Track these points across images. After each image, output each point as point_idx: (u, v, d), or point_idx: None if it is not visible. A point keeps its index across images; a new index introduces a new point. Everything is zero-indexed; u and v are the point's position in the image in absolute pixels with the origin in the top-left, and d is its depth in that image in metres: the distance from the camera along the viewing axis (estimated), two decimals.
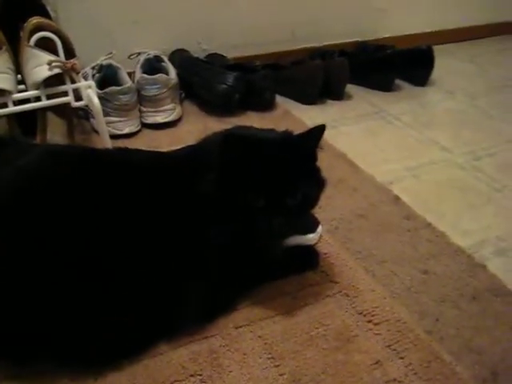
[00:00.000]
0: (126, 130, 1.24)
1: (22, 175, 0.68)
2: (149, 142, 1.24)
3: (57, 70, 0.98)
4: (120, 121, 1.23)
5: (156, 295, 0.69)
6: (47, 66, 0.97)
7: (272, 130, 0.80)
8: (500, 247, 0.96)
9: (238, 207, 0.70)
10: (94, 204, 0.67)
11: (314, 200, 0.78)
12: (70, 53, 1.02)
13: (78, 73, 1.03)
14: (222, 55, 1.58)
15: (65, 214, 0.65)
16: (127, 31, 1.46)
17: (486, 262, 0.91)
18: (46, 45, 0.99)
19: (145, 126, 1.31)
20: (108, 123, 1.19)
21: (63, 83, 1.01)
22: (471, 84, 1.72)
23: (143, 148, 0.84)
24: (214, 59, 1.53)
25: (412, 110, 1.50)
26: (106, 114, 1.18)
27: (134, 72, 1.36)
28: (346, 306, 0.80)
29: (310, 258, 0.88)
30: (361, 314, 0.78)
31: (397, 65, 1.59)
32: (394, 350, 0.73)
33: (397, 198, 1.07)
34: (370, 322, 0.77)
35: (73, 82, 1.02)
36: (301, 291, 0.82)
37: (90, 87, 1.04)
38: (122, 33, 1.45)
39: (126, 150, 0.80)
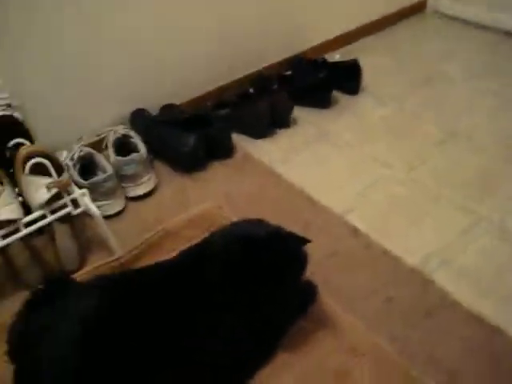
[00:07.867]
0: (116, 210, 1.40)
1: (88, 327, 0.75)
2: (137, 217, 1.40)
3: (55, 190, 1.13)
4: (108, 204, 1.38)
5: None
6: (46, 189, 1.13)
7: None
8: (442, 259, 1.17)
9: None
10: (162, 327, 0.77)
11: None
12: (58, 169, 1.16)
13: (69, 185, 1.18)
14: (176, 105, 1.72)
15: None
16: (86, 110, 1.58)
17: (433, 276, 1.12)
18: (37, 167, 1.13)
19: (127, 197, 1.46)
20: (97, 207, 1.35)
21: (61, 197, 1.17)
22: (395, 84, 1.90)
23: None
24: (170, 112, 1.67)
25: (351, 126, 1.70)
26: (94, 200, 1.33)
27: (107, 150, 1.50)
28: (334, 345, 0.89)
29: (310, 292, 0.97)
30: (349, 349, 0.90)
31: (331, 82, 1.79)
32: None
33: (355, 230, 1.26)
34: (358, 355, 0.90)
35: (68, 193, 1.18)
36: (289, 339, 0.88)
37: (84, 195, 1.20)
38: (82, 114, 1.57)
39: (163, 264, 0.88)
